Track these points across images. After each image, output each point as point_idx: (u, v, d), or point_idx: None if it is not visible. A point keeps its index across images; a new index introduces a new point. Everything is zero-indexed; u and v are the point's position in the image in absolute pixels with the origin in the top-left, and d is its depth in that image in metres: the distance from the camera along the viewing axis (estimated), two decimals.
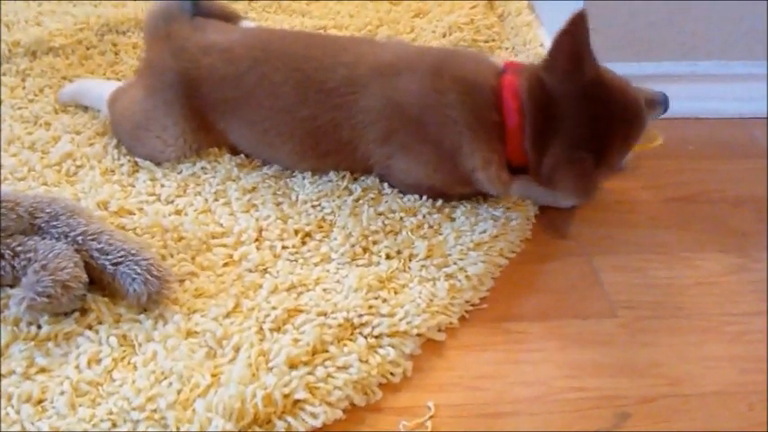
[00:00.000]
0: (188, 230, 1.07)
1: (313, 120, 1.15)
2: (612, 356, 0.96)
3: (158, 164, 1.21)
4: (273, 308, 0.96)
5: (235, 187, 1.17)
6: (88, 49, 1.51)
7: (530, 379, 0.93)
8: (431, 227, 1.12)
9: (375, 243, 1.08)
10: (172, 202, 1.14)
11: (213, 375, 0.87)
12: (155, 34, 1.25)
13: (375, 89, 1.13)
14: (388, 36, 1.61)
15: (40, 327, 0.92)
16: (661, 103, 1.21)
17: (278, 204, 1.14)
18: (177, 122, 1.20)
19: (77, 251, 0.96)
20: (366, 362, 0.90)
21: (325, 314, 0.95)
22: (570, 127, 1.08)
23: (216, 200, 1.14)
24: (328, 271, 1.03)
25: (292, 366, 0.88)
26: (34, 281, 0.91)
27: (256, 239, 1.08)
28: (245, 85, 1.17)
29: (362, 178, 1.20)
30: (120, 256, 0.95)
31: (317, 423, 0.84)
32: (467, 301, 1.02)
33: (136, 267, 0.94)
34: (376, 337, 0.94)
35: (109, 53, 1.50)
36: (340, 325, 0.94)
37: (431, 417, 0.87)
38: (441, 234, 1.10)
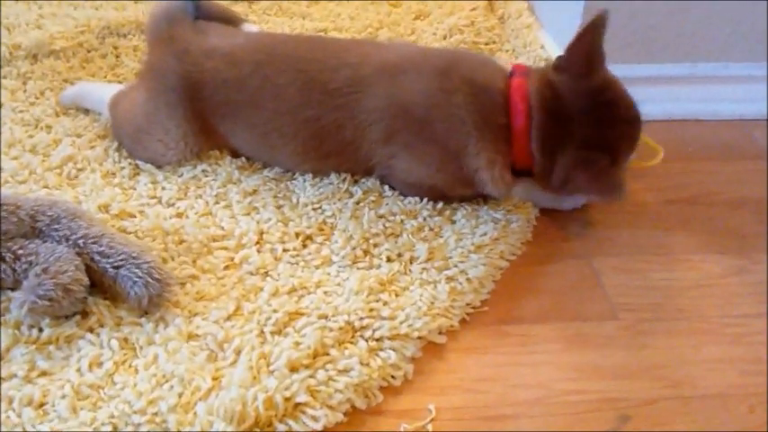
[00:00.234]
0: (189, 233, 1.07)
1: (316, 120, 1.15)
2: (613, 359, 0.96)
3: (159, 167, 1.21)
4: (274, 311, 0.96)
5: (236, 190, 1.17)
6: (89, 51, 1.51)
7: (530, 381, 0.93)
8: (431, 229, 1.12)
9: (376, 246, 1.08)
10: (173, 204, 1.14)
11: (214, 378, 0.87)
12: (157, 37, 1.25)
13: (379, 89, 1.13)
14: (389, 38, 1.61)
15: (41, 330, 0.92)
16: None
17: (279, 207, 1.14)
18: (179, 125, 1.20)
19: (78, 254, 0.96)
20: (367, 365, 0.91)
21: (326, 317, 0.95)
22: (582, 129, 1.08)
23: (217, 203, 1.15)
24: (329, 274, 1.03)
25: (293, 369, 0.88)
26: (35, 284, 0.91)
27: (257, 242, 1.08)
28: (248, 88, 1.17)
29: (363, 181, 1.20)
30: (121, 260, 0.95)
31: (318, 426, 0.84)
32: (468, 304, 1.02)
33: (137, 270, 0.94)
34: (377, 339, 0.94)
35: (110, 56, 1.51)
36: (341, 328, 0.94)
37: (432, 419, 0.87)
38: (441, 237, 1.10)
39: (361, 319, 0.95)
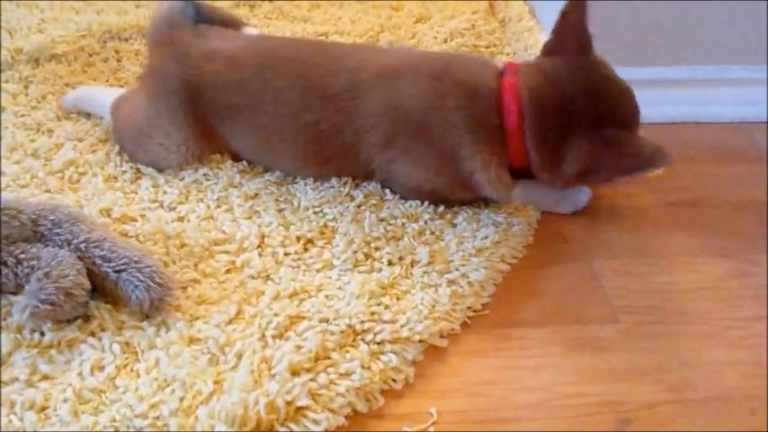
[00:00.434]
0: (190, 237, 1.08)
1: (316, 125, 1.16)
2: (614, 362, 0.96)
3: (161, 171, 1.21)
4: (276, 314, 0.96)
5: (237, 194, 1.17)
6: (91, 56, 1.51)
7: (531, 385, 0.93)
8: (432, 233, 1.12)
9: (377, 249, 1.08)
10: (174, 208, 1.14)
11: (216, 382, 0.87)
12: (158, 40, 1.25)
13: (377, 93, 1.14)
14: (389, 42, 1.62)
15: (42, 334, 0.92)
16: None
17: (280, 211, 1.15)
18: (180, 129, 1.20)
19: (80, 258, 0.96)
20: (368, 368, 0.91)
21: (327, 321, 0.95)
22: (587, 108, 1.08)
23: (218, 206, 1.15)
24: (330, 277, 1.03)
25: (295, 373, 0.88)
26: (37, 288, 0.91)
27: (258, 246, 1.08)
28: (249, 92, 1.17)
29: (364, 184, 1.20)
30: (123, 264, 0.95)
31: (320, 429, 0.84)
32: (469, 307, 1.02)
33: (138, 275, 0.94)
34: (378, 343, 0.94)
35: (111, 60, 1.51)
36: (342, 331, 0.94)
37: (433, 423, 0.87)
38: (442, 240, 1.10)
39: (363, 322, 0.96)
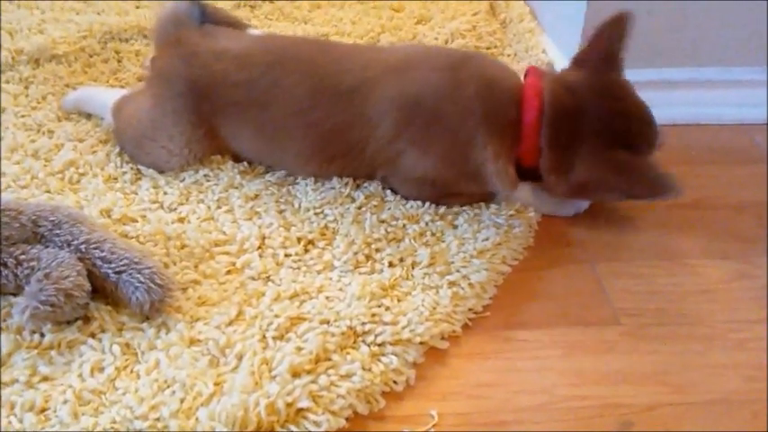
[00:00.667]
0: (191, 238, 1.07)
1: (324, 121, 1.16)
2: (615, 364, 0.96)
3: (161, 172, 1.21)
4: (276, 316, 0.96)
5: (237, 195, 1.17)
6: (91, 56, 1.51)
7: (533, 387, 0.93)
8: (433, 234, 1.12)
9: (378, 251, 1.08)
10: (174, 209, 1.14)
11: (216, 384, 0.87)
12: (164, 41, 1.25)
13: (388, 84, 1.14)
14: (390, 43, 1.61)
15: (42, 335, 0.92)
16: None
17: (281, 212, 1.14)
18: (184, 132, 1.20)
19: (80, 259, 0.96)
20: (369, 370, 0.90)
21: (327, 322, 0.95)
22: (600, 125, 1.09)
23: (219, 207, 1.15)
24: (331, 279, 1.03)
25: (295, 375, 0.88)
26: (37, 289, 0.91)
27: (259, 247, 1.08)
28: (258, 90, 1.17)
29: (365, 185, 1.20)
30: (123, 265, 0.95)
31: (320, 431, 0.84)
32: (470, 309, 1.01)
33: (139, 276, 0.94)
34: (379, 345, 0.94)
35: (112, 61, 1.51)
36: (343, 333, 0.94)
37: (434, 425, 0.87)
38: (443, 241, 1.10)
39: (363, 324, 0.95)
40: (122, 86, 1.42)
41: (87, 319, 0.95)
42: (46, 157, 1.23)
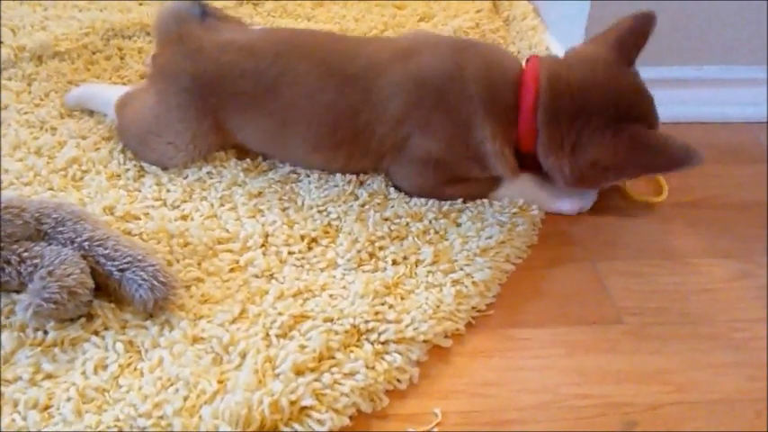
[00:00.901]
0: (194, 236, 1.07)
1: (333, 106, 1.17)
2: (618, 363, 0.96)
3: (165, 169, 1.21)
4: (280, 314, 0.96)
5: (241, 192, 1.17)
6: (94, 53, 1.51)
7: (536, 386, 0.93)
8: (437, 232, 1.12)
9: (381, 249, 1.08)
10: (178, 207, 1.14)
11: (220, 382, 0.87)
12: (167, 37, 1.25)
13: (396, 68, 1.16)
14: None
15: (46, 333, 0.92)
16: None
17: (284, 209, 1.14)
18: (189, 127, 1.20)
19: (84, 257, 0.96)
20: (373, 368, 0.90)
21: (331, 320, 0.95)
22: (608, 102, 1.09)
23: (222, 205, 1.15)
24: (334, 277, 1.03)
25: (299, 373, 0.88)
26: (40, 287, 0.91)
27: (262, 245, 1.08)
28: (267, 78, 1.18)
29: (369, 183, 1.20)
30: (127, 262, 0.95)
31: (324, 430, 0.84)
32: (473, 308, 1.01)
33: (142, 273, 0.94)
34: (382, 343, 0.94)
35: (114, 58, 1.51)
36: (346, 331, 0.94)
37: (437, 423, 0.87)
38: (447, 239, 1.10)
39: (367, 322, 0.95)
40: (125, 83, 1.42)
41: (90, 317, 0.94)
42: (49, 155, 1.23)
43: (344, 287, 1.01)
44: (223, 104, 1.20)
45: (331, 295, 1.00)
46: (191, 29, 1.23)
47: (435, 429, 0.87)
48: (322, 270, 1.05)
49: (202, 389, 0.85)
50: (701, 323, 1.03)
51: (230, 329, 0.93)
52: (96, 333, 0.93)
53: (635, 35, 1.15)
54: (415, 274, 1.04)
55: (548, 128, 1.11)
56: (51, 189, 1.16)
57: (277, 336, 0.93)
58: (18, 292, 0.96)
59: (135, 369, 0.89)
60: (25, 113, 1.33)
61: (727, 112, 1.47)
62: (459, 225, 1.13)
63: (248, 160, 1.24)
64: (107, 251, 0.96)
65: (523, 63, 1.19)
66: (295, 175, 1.22)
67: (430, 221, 1.13)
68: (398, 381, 0.91)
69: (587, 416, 0.89)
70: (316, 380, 0.87)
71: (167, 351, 0.90)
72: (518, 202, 1.18)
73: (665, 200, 1.24)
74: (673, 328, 1.02)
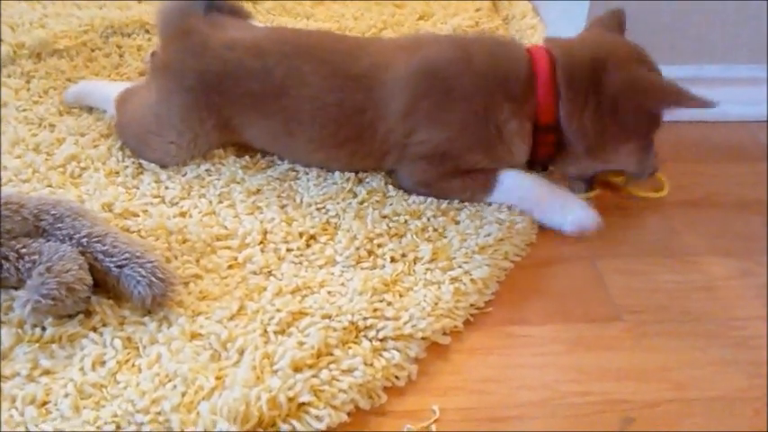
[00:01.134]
0: (192, 233, 1.07)
1: (338, 105, 1.17)
2: (617, 361, 0.96)
3: (164, 166, 1.21)
4: (278, 310, 0.96)
5: (239, 189, 1.17)
6: (93, 51, 1.51)
7: (534, 383, 0.93)
8: (435, 230, 1.11)
9: (380, 246, 1.08)
10: (176, 204, 1.14)
11: (218, 378, 0.87)
12: (171, 33, 1.24)
13: (401, 63, 1.17)
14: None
15: (44, 329, 0.92)
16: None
17: (282, 207, 1.14)
18: (192, 126, 1.20)
19: (82, 253, 0.96)
20: (371, 365, 0.90)
21: (329, 317, 0.95)
22: (622, 54, 1.14)
23: (220, 202, 1.14)
24: (333, 274, 1.03)
25: (297, 369, 0.88)
26: (39, 283, 0.91)
27: (261, 242, 1.08)
28: (273, 78, 1.18)
29: (367, 180, 1.20)
30: (125, 259, 0.95)
31: (322, 426, 0.84)
32: (472, 305, 1.01)
33: (140, 270, 0.94)
34: (381, 340, 0.93)
35: (114, 55, 1.50)
36: (345, 328, 0.94)
37: (435, 420, 0.87)
38: (445, 237, 1.10)
39: (365, 319, 0.95)
40: (124, 81, 1.41)
41: (89, 313, 0.94)
42: (48, 152, 1.23)
43: (343, 284, 1.01)
44: (229, 103, 1.20)
45: (329, 292, 1.00)
46: (195, 25, 1.22)
47: (433, 426, 0.87)
48: (320, 267, 1.04)
49: (200, 385, 0.85)
50: (701, 321, 1.03)
51: (228, 326, 0.93)
52: (94, 329, 0.93)
53: (613, 25, 1.20)
54: (414, 271, 1.04)
55: (570, 88, 1.12)
56: (50, 186, 1.15)
57: (275, 332, 0.93)
58: (16, 288, 0.96)
59: (133, 365, 0.89)
60: (24, 110, 1.33)
61: (728, 111, 1.47)
62: (457, 223, 1.13)
63: (247, 157, 1.24)
64: (105, 247, 0.96)
65: None
66: (294, 173, 1.22)
67: (428, 219, 1.13)
68: (397, 378, 0.91)
69: (586, 413, 0.89)
70: (314, 376, 0.87)
71: (165, 347, 0.90)
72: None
73: (666, 198, 1.24)
74: (672, 326, 1.02)
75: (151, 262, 0.95)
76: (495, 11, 1.76)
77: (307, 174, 1.21)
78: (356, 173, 1.21)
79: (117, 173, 1.20)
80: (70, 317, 0.93)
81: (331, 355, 0.91)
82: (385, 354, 0.92)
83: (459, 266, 1.05)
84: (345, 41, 1.26)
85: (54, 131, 1.28)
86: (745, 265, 1.13)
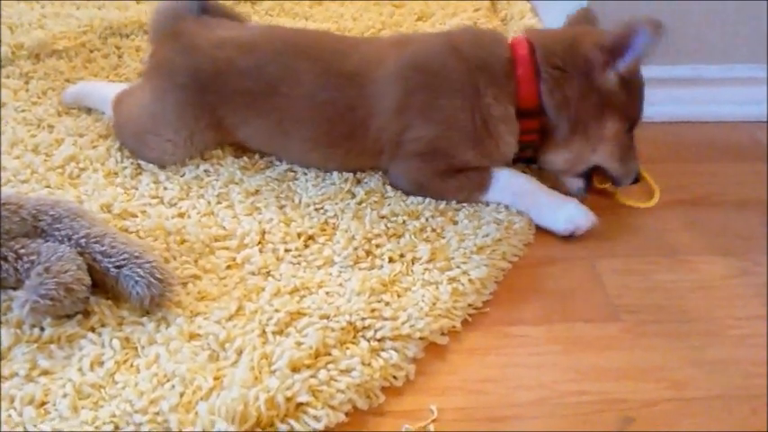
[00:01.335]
0: (191, 233, 1.07)
1: (332, 104, 1.18)
2: (615, 360, 0.96)
3: (162, 166, 1.21)
4: (276, 311, 0.96)
5: (238, 190, 1.17)
6: (91, 51, 1.51)
7: (532, 383, 0.93)
8: (434, 230, 1.12)
9: (378, 246, 1.08)
10: (175, 204, 1.14)
11: (216, 378, 0.87)
12: (162, 35, 1.25)
13: (390, 60, 1.18)
14: None
15: (42, 329, 0.92)
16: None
17: (281, 207, 1.14)
18: (187, 124, 1.20)
19: (80, 254, 0.96)
20: (369, 365, 0.90)
21: (327, 317, 0.95)
22: (590, 36, 1.16)
23: (219, 202, 1.15)
24: (331, 274, 1.03)
25: (295, 369, 0.88)
26: (37, 283, 0.91)
27: (259, 242, 1.08)
28: (266, 76, 1.19)
29: (365, 181, 1.20)
30: (123, 259, 0.95)
31: (320, 426, 0.84)
32: (470, 305, 1.01)
33: (139, 270, 0.94)
34: (379, 340, 0.94)
35: (112, 56, 1.51)
36: (343, 328, 0.94)
37: (433, 420, 0.87)
38: (444, 237, 1.10)
39: (363, 319, 0.95)
40: (123, 82, 1.42)
41: (87, 314, 0.94)
42: (46, 152, 1.23)
43: (341, 284, 1.01)
44: (221, 102, 1.20)
45: (327, 292, 1.00)
46: (186, 26, 1.24)
47: (431, 426, 0.87)
48: (319, 267, 1.05)
49: (198, 385, 0.85)
50: (699, 320, 1.03)
51: (227, 326, 0.94)
52: (93, 329, 0.93)
53: (583, 21, 1.23)
54: (412, 271, 1.04)
55: (548, 64, 1.14)
56: (48, 186, 1.16)
57: (273, 333, 0.93)
58: (15, 288, 0.96)
59: (131, 365, 0.89)
60: (23, 111, 1.33)
61: (726, 111, 1.47)
62: (456, 223, 1.13)
63: (245, 158, 1.24)
64: (104, 248, 0.96)
65: None
66: (292, 173, 1.22)
67: (427, 219, 1.13)
68: (395, 378, 0.91)
69: (584, 412, 0.89)
70: (312, 376, 0.87)
71: (164, 347, 0.90)
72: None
73: (664, 197, 1.24)
74: (670, 326, 1.02)
75: (149, 262, 0.95)
76: (494, 11, 1.76)
77: (305, 174, 1.21)
78: (354, 173, 1.21)
79: (115, 173, 1.20)
80: (69, 317, 0.94)
81: (329, 355, 0.91)
82: (383, 354, 0.92)
83: (458, 267, 1.05)
84: (337, 40, 1.27)
85: (53, 132, 1.28)
86: (744, 264, 1.13)
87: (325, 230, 1.11)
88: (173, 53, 1.22)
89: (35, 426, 0.82)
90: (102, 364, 0.89)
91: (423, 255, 1.06)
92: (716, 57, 1.44)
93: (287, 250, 1.07)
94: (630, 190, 1.24)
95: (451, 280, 1.03)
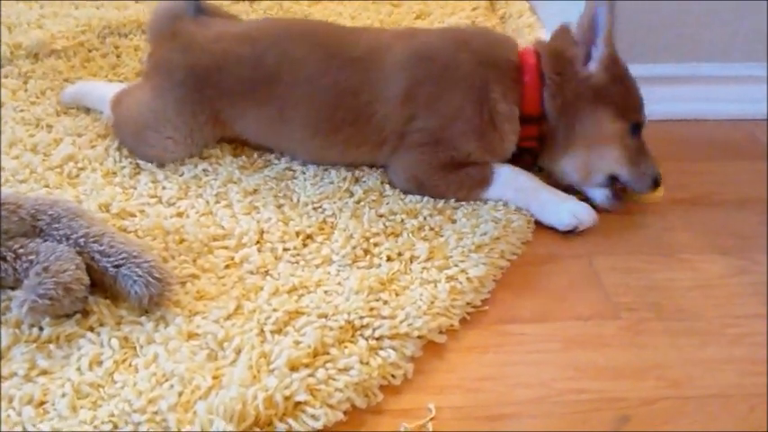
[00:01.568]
0: (189, 233, 1.08)
1: (334, 87, 1.18)
2: (613, 358, 0.96)
3: (161, 166, 1.21)
4: (274, 310, 0.96)
5: (236, 189, 1.17)
6: (90, 51, 1.51)
7: (530, 381, 0.93)
8: (432, 229, 1.12)
9: (376, 245, 1.08)
10: (173, 204, 1.14)
11: (214, 377, 0.87)
12: (160, 34, 1.26)
13: (398, 48, 1.19)
14: None
15: (41, 329, 0.92)
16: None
17: (279, 206, 1.14)
18: (187, 121, 1.21)
19: (79, 253, 0.96)
20: (367, 364, 0.90)
21: (326, 316, 0.95)
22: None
23: (217, 202, 1.15)
24: (329, 273, 1.03)
25: (293, 368, 0.88)
26: (36, 283, 0.91)
27: (257, 241, 1.08)
28: (264, 64, 1.19)
29: (364, 180, 1.20)
30: (122, 259, 0.95)
31: (318, 425, 0.84)
32: (468, 303, 1.01)
33: (137, 270, 0.94)
34: (377, 339, 0.94)
35: (111, 55, 1.51)
36: (341, 327, 0.94)
37: (432, 419, 0.87)
38: (442, 236, 1.10)
39: (362, 318, 0.95)
40: (121, 81, 1.42)
41: (86, 313, 0.95)
42: (45, 152, 1.23)
43: (339, 283, 1.01)
44: (220, 94, 1.20)
45: (326, 291, 1.00)
46: (184, 26, 1.24)
47: (429, 425, 0.87)
48: (317, 266, 1.05)
49: (197, 384, 0.86)
50: (697, 319, 1.03)
51: (225, 325, 0.94)
52: (91, 329, 0.93)
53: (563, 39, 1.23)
54: (410, 270, 1.05)
55: (553, 71, 1.17)
56: (47, 186, 1.16)
57: (272, 332, 0.93)
58: (13, 288, 0.96)
59: (130, 365, 0.89)
60: (21, 111, 1.33)
61: (725, 109, 1.48)
62: (454, 221, 1.14)
63: (244, 157, 1.24)
64: (102, 248, 0.96)
65: None
66: (290, 172, 1.22)
67: (425, 218, 1.13)
68: (393, 376, 0.91)
69: (582, 410, 0.89)
70: (310, 375, 0.88)
71: (162, 347, 0.90)
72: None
73: (663, 195, 1.24)
74: (668, 324, 1.02)
75: (148, 262, 0.95)
76: (492, 10, 1.76)
77: (303, 173, 1.21)
78: (352, 172, 1.21)
79: (114, 173, 1.20)
80: (67, 317, 0.94)
81: (327, 354, 0.91)
82: (381, 352, 0.92)
83: (456, 265, 1.05)
84: (337, 28, 1.28)
85: (51, 132, 1.29)
86: (742, 263, 1.13)
87: (323, 229, 1.11)
88: (171, 52, 1.22)
89: (34, 425, 0.82)
90: (100, 363, 0.89)
91: (421, 253, 1.06)
92: (715, 55, 1.44)
93: (285, 249, 1.07)
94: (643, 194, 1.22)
95: (450, 278, 1.03)
